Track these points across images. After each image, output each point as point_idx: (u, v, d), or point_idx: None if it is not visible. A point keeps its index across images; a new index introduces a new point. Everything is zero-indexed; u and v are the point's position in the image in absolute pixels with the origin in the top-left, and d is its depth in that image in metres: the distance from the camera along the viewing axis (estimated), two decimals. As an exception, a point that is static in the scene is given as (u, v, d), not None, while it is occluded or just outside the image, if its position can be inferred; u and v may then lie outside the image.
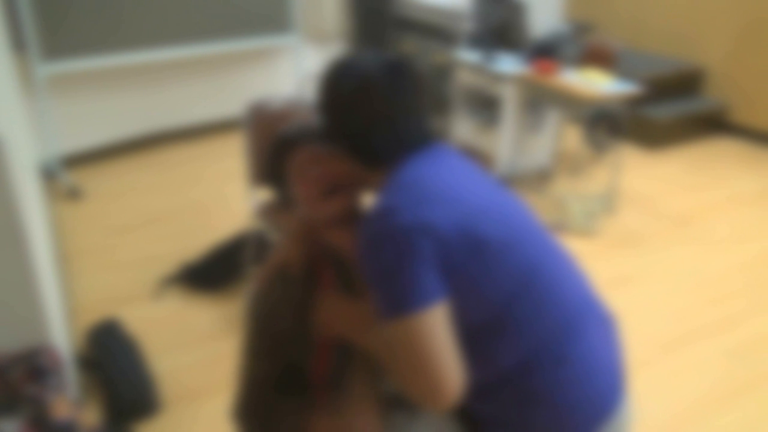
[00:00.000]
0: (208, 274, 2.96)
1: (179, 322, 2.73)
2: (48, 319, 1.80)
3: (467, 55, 4.02)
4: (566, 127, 4.53)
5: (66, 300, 2.81)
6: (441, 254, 1.02)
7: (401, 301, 1.01)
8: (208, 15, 4.22)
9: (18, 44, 3.58)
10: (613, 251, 3.36)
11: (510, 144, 3.94)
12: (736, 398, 2.37)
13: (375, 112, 1.13)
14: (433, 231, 1.02)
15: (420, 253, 1.01)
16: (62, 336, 2.13)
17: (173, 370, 2.44)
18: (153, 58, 4.12)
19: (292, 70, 4.93)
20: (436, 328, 1.01)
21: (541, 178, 4.16)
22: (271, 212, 2.61)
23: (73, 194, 3.83)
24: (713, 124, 4.98)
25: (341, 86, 1.14)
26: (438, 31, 4.46)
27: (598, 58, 3.82)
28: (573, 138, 4.53)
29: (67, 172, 4.05)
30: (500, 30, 3.94)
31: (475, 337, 1.09)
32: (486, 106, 4.11)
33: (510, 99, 3.81)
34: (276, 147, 1.29)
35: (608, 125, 3.53)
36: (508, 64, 3.79)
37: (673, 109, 4.80)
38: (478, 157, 4.09)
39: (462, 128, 4.26)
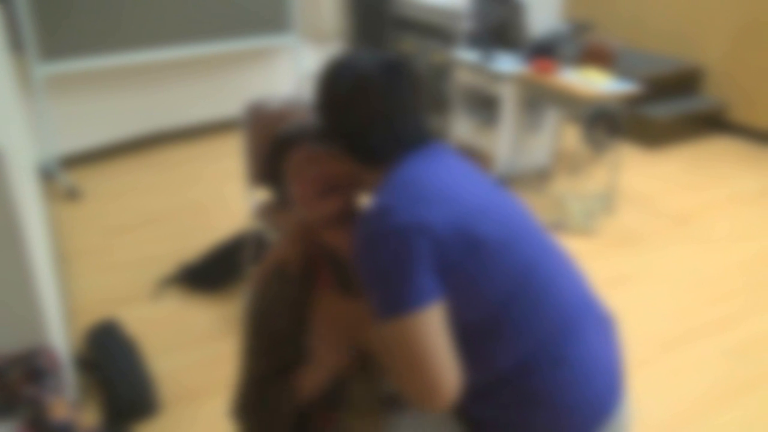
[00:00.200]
0: (207, 274, 2.96)
1: (178, 322, 2.73)
2: (46, 319, 1.80)
3: (466, 55, 4.01)
4: (565, 126, 4.53)
5: (64, 301, 2.81)
6: (437, 254, 1.02)
7: (397, 301, 1.01)
8: (206, 15, 4.22)
9: (16, 45, 3.57)
10: (612, 250, 3.36)
11: (509, 143, 3.94)
12: (735, 397, 2.37)
13: (372, 111, 1.12)
14: (430, 230, 1.02)
15: (416, 253, 1.01)
16: (61, 337, 2.12)
17: (172, 371, 2.44)
18: (151, 58, 4.11)
19: (290, 70, 4.92)
20: (433, 328, 1.01)
21: (540, 177, 4.16)
22: (269, 212, 2.61)
23: (72, 195, 3.83)
24: (712, 123, 4.98)
25: (338, 85, 1.14)
26: (437, 31, 4.45)
27: (596, 57, 3.81)
28: (572, 137, 4.53)
29: (66, 173, 4.04)
30: (499, 29, 3.94)
31: (472, 338, 1.08)
32: (485, 106, 4.11)
33: (509, 98, 3.80)
34: (274, 147, 1.29)
35: (607, 124, 3.53)
36: (507, 64, 3.79)
37: (672, 108, 4.80)
38: (477, 157, 4.09)
39: (461, 128, 4.26)
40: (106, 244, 3.33)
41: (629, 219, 3.67)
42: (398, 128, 1.14)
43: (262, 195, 2.65)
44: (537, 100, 3.86)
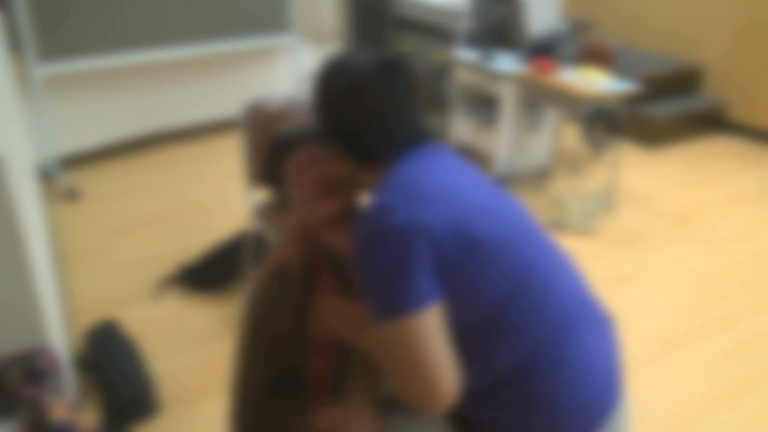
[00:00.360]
0: (207, 274, 2.96)
1: (178, 322, 2.72)
2: (45, 320, 1.80)
3: (465, 54, 4.01)
4: (565, 125, 4.53)
5: (64, 301, 2.81)
6: (436, 254, 1.02)
7: (395, 302, 1.01)
8: (205, 15, 4.21)
9: (15, 45, 3.57)
10: (611, 250, 3.35)
11: (508, 143, 3.94)
12: (735, 397, 2.37)
13: (369, 110, 1.12)
14: (428, 231, 1.02)
15: (415, 254, 1.00)
16: (60, 337, 2.12)
17: (172, 371, 2.43)
18: (150, 58, 4.11)
19: (290, 70, 4.92)
20: (431, 329, 1.01)
21: (539, 177, 4.16)
22: (269, 212, 2.60)
23: (71, 195, 3.82)
24: (712, 122, 4.98)
25: (335, 85, 1.14)
26: (436, 30, 4.45)
27: (596, 56, 3.81)
28: (571, 137, 4.53)
29: (65, 173, 4.04)
30: (498, 29, 3.94)
31: (471, 339, 1.08)
32: (484, 105, 4.10)
33: (508, 98, 3.80)
34: (273, 147, 1.28)
35: (607, 124, 3.52)
36: (507, 63, 3.79)
37: (671, 107, 4.80)
38: (476, 157, 4.09)
39: (460, 127, 4.26)
40: (106, 244, 3.33)
41: (629, 218, 3.67)
42: (395, 127, 1.14)
43: (261, 195, 2.65)
44: (536, 99, 3.85)
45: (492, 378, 1.11)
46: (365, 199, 1.23)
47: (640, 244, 3.41)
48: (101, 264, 3.15)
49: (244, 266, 2.91)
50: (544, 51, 3.64)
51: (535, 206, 3.76)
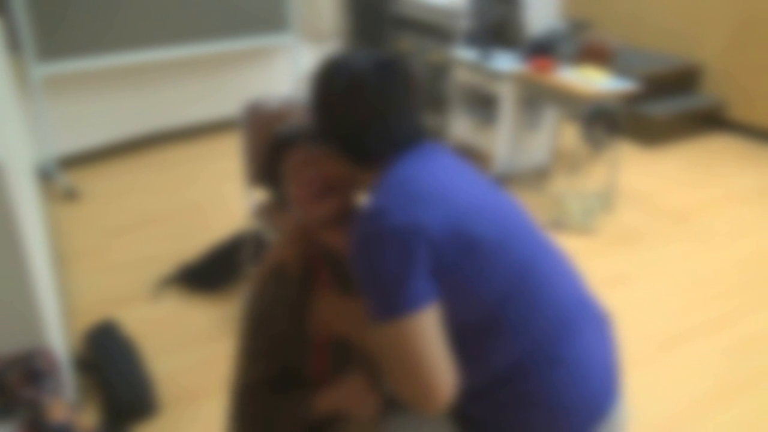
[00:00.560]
0: (206, 274, 2.95)
1: (177, 323, 2.72)
2: (44, 321, 1.80)
3: (464, 54, 4.01)
4: (564, 124, 4.53)
5: (63, 301, 2.81)
6: (433, 255, 1.01)
7: (393, 303, 1.00)
8: (204, 15, 4.21)
9: (14, 45, 3.57)
10: (611, 249, 3.35)
11: (508, 142, 3.94)
12: (734, 396, 2.37)
13: (366, 110, 1.12)
14: (425, 232, 1.01)
15: (412, 255, 1.00)
16: (59, 338, 2.12)
17: (171, 371, 2.43)
18: (149, 58, 4.10)
19: (289, 70, 4.92)
20: (428, 330, 1.01)
21: (539, 176, 4.16)
22: (268, 212, 2.60)
23: (70, 195, 3.82)
24: (711, 121, 4.98)
25: (332, 85, 1.13)
26: (435, 30, 4.45)
27: (595, 55, 3.81)
28: (570, 136, 4.53)
29: (64, 173, 4.04)
30: (497, 28, 3.93)
31: (468, 338, 1.08)
32: (483, 105, 4.10)
33: (507, 97, 3.80)
34: (271, 148, 1.28)
35: (606, 123, 3.52)
36: (505, 62, 3.78)
37: (670, 106, 4.80)
38: (474, 157, 4.09)
39: (459, 127, 4.26)
40: (105, 244, 3.33)
41: (628, 217, 3.67)
42: (393, 128, 1.14)
43: (260, 195, 2.65)
44: (536, 98, 3.85)
45: (490, 377, 1.11)
46: (363, 199, 1.23)
47: (639, 243, 3.41)
48: (100, 264, 3.15)
49: (244, 266, 2.91)
50: (543, 50, 3.64)
51: (534, 205, 3.76)
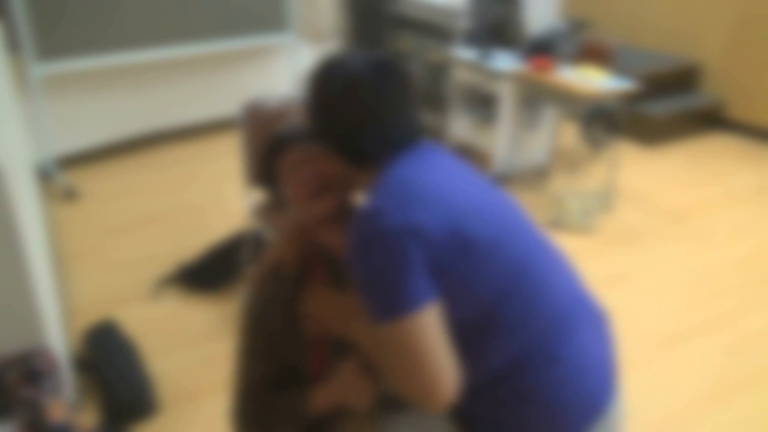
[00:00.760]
0: (205, 274, 2.95)
1: (176, 322, 2.72)
2: (44, 321, 1.80)
3: (464, 53, 4.01)
4: (563, 124, 4.53)
5: (62, 301, 2.80)
6: (430, 255, 1.02)
7: (392, 303, 1.01)
8: (203, 14, 4.21)
9: (13, 45, 3.57)
10: (610, 248, 3.36)
11: (507, 142, 3.94)
12: (734, 395, 2.37)
13: (362, 111, 1.12)
14: (422, 232, 1.02)
15: (409, 255, 1.01)
16: (58, 338, 2.12)
17: (171, 371, 2.43)
18: (148, 57, 4.10)
19: (288, 69, 4.92)
20: (429, 329, 1.01)
21: (538, 175, 4.16)
22: (267, 212, 2.60)
23: (69, 195, 3.82)
24: (710, 120, 4.98)
25: (328, 86, 1.14)
26: (434, 29, 4.45)
27: (594, 54, 3.81)
28: (570, 135, 4.53)
29: (63, 173, 4.03)
30: (496, 27, 3.93)
31: (466, 337, 1.08)
32: (483, 104, 4.10)
33: (507, 96, 3.80)
34: (268, 147, 1.28)
35: (605, 122, 3.52)
36: (505, 62, 3.78)
37: (670, 105, 4.80)
38: (473, 156, 4.09)
39: (459, 126, 4.26)
40: (104, 244, 3.33)
41: (627, 217, 3.67)
42: (389, 128, 1.14)
43: (259, 195, 2.65)
44: (535, 98, 3.85)
45: (487, 375, 1.11)
46: (359, 199, 1.23)
47: (638, 242, 3.41)
48: (99, 264, 3.14)
49: (243, 266, 2.91)
50: (542, 49, 3.64)
51: (533, 205, 3.76)
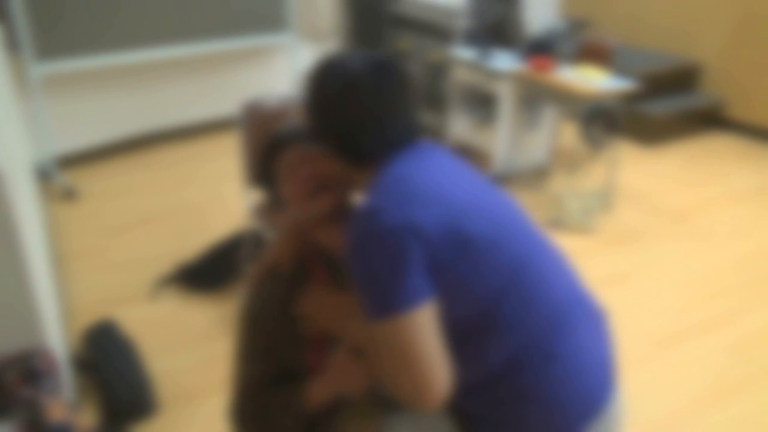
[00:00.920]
0: (205, 274, 2.95)
1: (176, 322, 2.72)
2: (43, 321, 1.80)
3: (463, 53, 4.01)
4: (563, 123, 4.53)
5: (62, 301, 2.80)
6: (428, 254, 1.02)
7: (388, 301, 1.01)
8: (203, 14, 4.21)
9: (12, 44, 3.56)
10: (610, 248, 3.36)
11: (507, 141, 3.93)
12: (733, 394, 2.37)
13: (361, 111, 1.12)
14: (420, 231, 1.02)
15: (407, 254, 1.01)
16: (58, 338, 2.12)
17: (170, 371, 2.43)
18: (148, 57, 4.10)
19: (287, 69, 4.92)
20: (424, 327, 1.01)
21: (538, 175, 4.16)
22: (267, 212, 2.60)
23: (69, 195, 3.82)
24: (710, 120, 4.98)
25: (327, 85, 1.14)
26: (434, 29, 4.45)
27: (594, 54, 3.81)
28: (569, 135, 4.53)
29: (62, 173, 4.03)
30: (496, 27, 3.93)
31: (465, 335, 1.09)
32: (482, 104, 4.10)
33: (506, 96, 3.80)
34: (266, 148, 1.29)
35: (605, 122, 3.52)
36: (504, 61, 3.78)
37: (669, 105, 4.80)
38: (473, 156, 4.09)
39: (458, 126, 4.26)
40: (104, 244, 3.33)
41: (627, 216, 3.67)
42: (388, 128, 1.14)
43: (259, 194, 2.64)
44: (535, 97, 3.85)
45: (486, 373, 1.11)
46: (357, 198, 1.23)
47: (638, 242, 3.41)
48: (99, 264, 3.14)
49: (242, 266, 2.91)
50: (542, 49, 3.64)
51: (533, 205, 3.76)
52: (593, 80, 3.45)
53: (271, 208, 2.57)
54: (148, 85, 4.42)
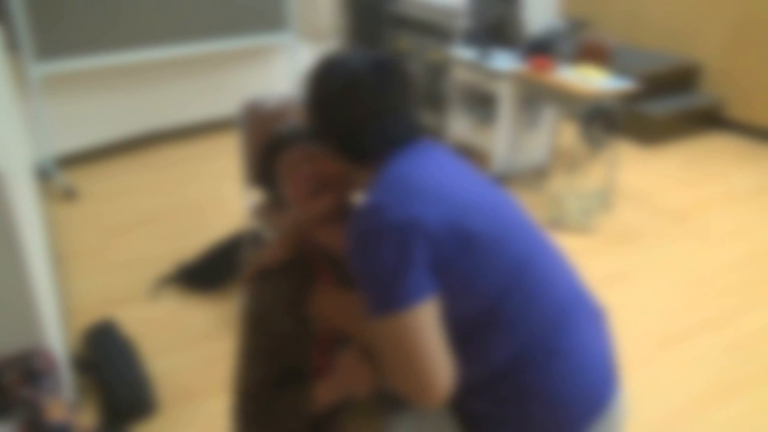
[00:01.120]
0: (205, 274, 2.95)
1: (176, 322, 2.72)
2: (42, 320, 1.79)
3: (463, 53, 4.01)
4: (562, 123, 4.53)
5: (61, 301, 2.80)
6: (431, 250, 1.02)
7: (390, 297, 1.01)
8: (203, 13, 4.21)
9: (12, 44, 3.56)
10: (609, 248, 3.36)
11: (506, 141, 3.94)
12: (733, 394, 2.37)
13: (362, 109, 1.12)
14: (423, 227, 1.02)
15: (410, 250, 1.01)
16: (58, 338, 2.12)
17: (170, 371, 2.43)
18: (148, 57, 4.10)
19: (287, 69, 4.92)
20: (426, 325, 1.01)
21: (537, 175, 4.16)
22: (266, 212, 2.60)
23: (68, 195, 3.82)
24: (709, 120, 4.98)
25: (328, 84, 1.14)
26: (433, 29, 4.45)
27: (593, 54, 3.81)
28: (569, 135, 4.53)
29: (62, 173, 4.03)
30: (496, 27, 3.93)
31: (468, 333, 1.09)
32: (482, 104, 4.10)
33: (506, 96, 3.80)
34: (267, 147, 1.28)
35: (605, 122, 3.52)
36: (504, 61, 3.78)
37: (669, 104, 4.80)
38: (472, 156, 4.09)
39: (458, 126, 4.26)
40: (103, 244, 3.33)
41: (627, 216, 3.67)
42: (389, 127, 1.14)
43: (258, 194, 2.64)
44: (534, 97, 3.85)
45: (489, 371, 1.11)
46: (358, 197, 1.23)
47: (638, 242, 3.42)
48: (99, 264, 3.14)
49: (242, 265, 2.91)
50: (541, 49, 3.64)
51: (533, 204, 3.76)
52: (593, 80, 3.45)
53: (271, 208, 2.57)
54: (148, 85, 4.42)
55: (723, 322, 2.77)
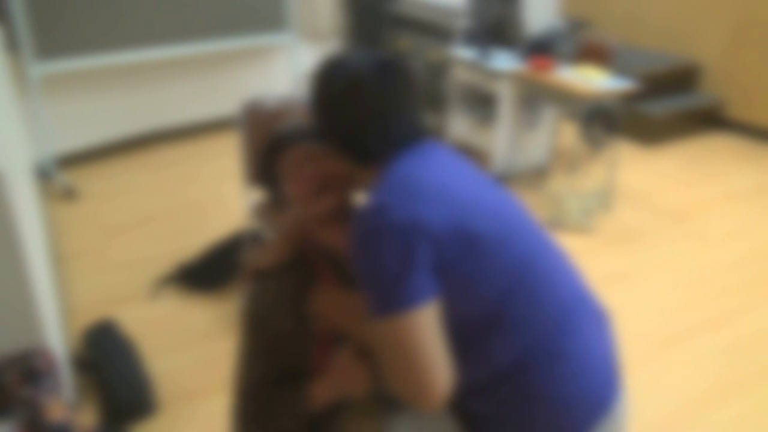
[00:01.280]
0: (205, 273, 2.95)
1: (176, 322, 2.72)
2: (42, 320, 1.79)
3: (463, 53, 4.01)
4: (562, 123, 4.53)
5: (61, 301, 2.80)
6: (434, 251, 1.02)
7: (391, 299, 1.01)
8: (203, 13, 4.21)
9: (12, 44, 3.56)
10: (609, 248, 3.36)
11: (506, 141, 3.94)
12: (733, 394, 2.37)
13: (366, 110, 1.12)
14: (426, 228, 1.02)
15: (412, 251, 1.01)
16: (58, 337, 2.12)
17: (170, 371, 2.43)
18: (148, 56, 4.10)
19: (287, 69, 4.92)
20: (426, 326, 1.01)
21: (537, 175, 4.16)
22: (266, 211, 2.60)
23: (68, 194, 3.82)
24: (709, 120, 4.98)
25: (332, 85, 1.14)
26: (434, 29, 4.45)
27: (593, 54, 3.81)
28: (569, 135, 4.53)
29: (62, 173, 4.03)
30: (496, 27, 3.93)
31: (470, 335, 1.09)
32: (482, 104, 4.10)
33: (506, 96, 3.80)
34: (268, 147, 1.28)
35: (604, 122, 3.52)
36: (504, 61, 3.78)
37: (669, 104, 4.80)
38: (473, 156, 4.09)
39: (458, 125, 4.26)
40: (103, 243, 3.32)
41: (627, 216, 3.67)
42: (392, 127, 1.14)
43: (259, 194, 2.64)
44: (534, 97, 3.85)
45: (491, 373, 1.11)
46: (361, 197, 1.23)
47: (638, 241, 3.41)
48: (99, 263, 3.14)
49: (242, 265, 2.91)
50: (541, 49, 3.64)
51: (533, 204, 3.76)
52: (593, 80, 3.45)
53: (271, 207, 2.57)
54: (147, 85, 4.41)
55: (723, 322, 2.77)
